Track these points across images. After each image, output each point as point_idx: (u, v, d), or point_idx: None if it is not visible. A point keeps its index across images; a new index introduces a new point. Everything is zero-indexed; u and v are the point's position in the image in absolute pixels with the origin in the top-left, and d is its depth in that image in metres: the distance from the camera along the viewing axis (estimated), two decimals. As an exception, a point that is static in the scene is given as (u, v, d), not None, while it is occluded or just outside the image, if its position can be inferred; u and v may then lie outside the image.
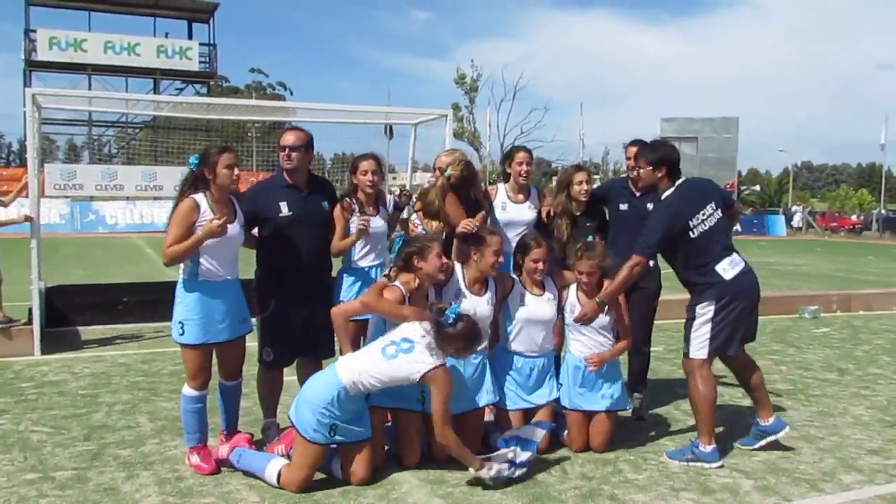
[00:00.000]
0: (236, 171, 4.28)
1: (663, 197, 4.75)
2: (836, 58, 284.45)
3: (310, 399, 4.06)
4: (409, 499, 3.94)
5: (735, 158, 47.87)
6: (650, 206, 5.07)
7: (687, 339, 4.70)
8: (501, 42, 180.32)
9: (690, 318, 4.68)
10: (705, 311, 4.58)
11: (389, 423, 4.53)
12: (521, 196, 5.35)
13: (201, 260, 4.22)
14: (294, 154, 4.67)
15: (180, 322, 4.23)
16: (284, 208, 4.65)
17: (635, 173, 5.07)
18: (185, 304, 4.24)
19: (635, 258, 4.59)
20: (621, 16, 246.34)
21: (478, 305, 4.49)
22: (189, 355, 4.29)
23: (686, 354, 4.70)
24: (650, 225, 4.66)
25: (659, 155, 4.76)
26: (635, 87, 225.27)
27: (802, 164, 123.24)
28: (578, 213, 5.27)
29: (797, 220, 44.66)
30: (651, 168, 4.76)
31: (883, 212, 45.32)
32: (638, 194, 5.32)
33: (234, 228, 4.28)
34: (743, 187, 65.62)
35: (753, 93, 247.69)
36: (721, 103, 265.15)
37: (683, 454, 4.62)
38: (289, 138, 4.72)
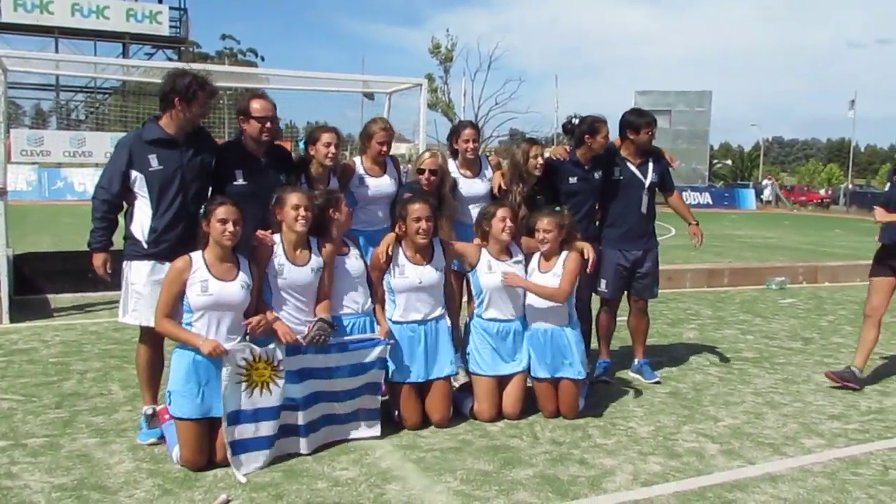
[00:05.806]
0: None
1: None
2: (808, 35, 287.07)
3: None
4: (382, 464, 3.99)
5: (707, 132, 48.06)
6: (597, 175, 5.41)
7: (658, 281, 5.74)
8: (477, 12, 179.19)
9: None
10: None
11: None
12: (471, 171, 5.32)
13: None
14: (273, 125, 4.43)
15: None
16: (239, 177, 4.40)
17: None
18: None
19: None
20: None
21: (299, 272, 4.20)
22: None
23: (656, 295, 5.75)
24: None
25: None
26: (611, 60, 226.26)
27: (773, 138, 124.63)
28: (528, 188, 5.12)
29: (767, 194, 45.23)
30: None
31: (850, 186, 46.04)
32: (587, 167, 5.38)
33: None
34: (715, 161, 66.15)
35: (727, 68, 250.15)
36: (695, 77, 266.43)
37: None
38: (267, 107, 4.41)
